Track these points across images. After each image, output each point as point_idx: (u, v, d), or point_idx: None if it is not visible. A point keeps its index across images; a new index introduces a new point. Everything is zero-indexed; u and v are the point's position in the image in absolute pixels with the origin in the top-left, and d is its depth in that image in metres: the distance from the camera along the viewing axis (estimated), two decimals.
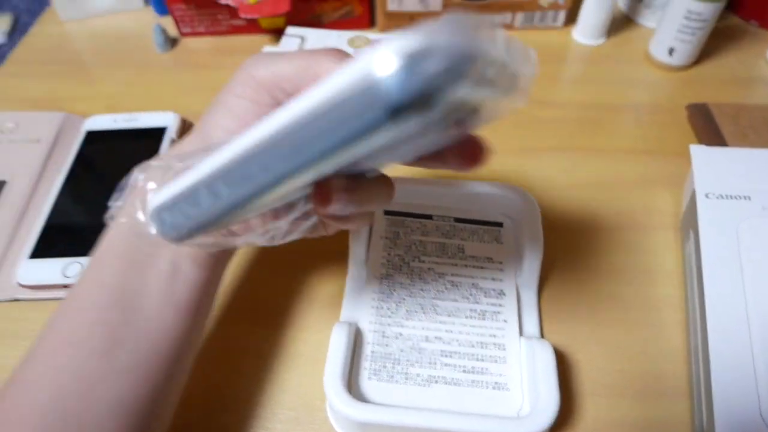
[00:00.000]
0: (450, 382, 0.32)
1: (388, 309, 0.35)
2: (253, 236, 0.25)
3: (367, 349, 0.33)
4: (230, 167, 0.18)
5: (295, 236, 0.25)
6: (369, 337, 0.34)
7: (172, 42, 0.60)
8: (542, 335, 0.36)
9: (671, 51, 0.53)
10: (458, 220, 0.40)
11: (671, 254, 0.40)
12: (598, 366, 0.35)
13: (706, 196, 0.36)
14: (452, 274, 0.37)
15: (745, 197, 0.36)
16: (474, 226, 0.39)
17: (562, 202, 0.44)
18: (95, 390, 0.23)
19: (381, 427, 0.30)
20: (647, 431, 0.32)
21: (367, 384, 0.32)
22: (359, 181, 0.21)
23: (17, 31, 1.54)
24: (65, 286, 0.39)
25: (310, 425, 0.33)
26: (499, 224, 0.39)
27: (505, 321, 0.35)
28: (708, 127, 0.47)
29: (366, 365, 0.33)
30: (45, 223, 0.42)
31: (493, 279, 0.37)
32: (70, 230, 0.41)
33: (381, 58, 0.13)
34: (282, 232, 0.24)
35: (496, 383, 0.32)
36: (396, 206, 0.40)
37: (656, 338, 0.36)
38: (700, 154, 0.39)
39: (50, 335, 0.25)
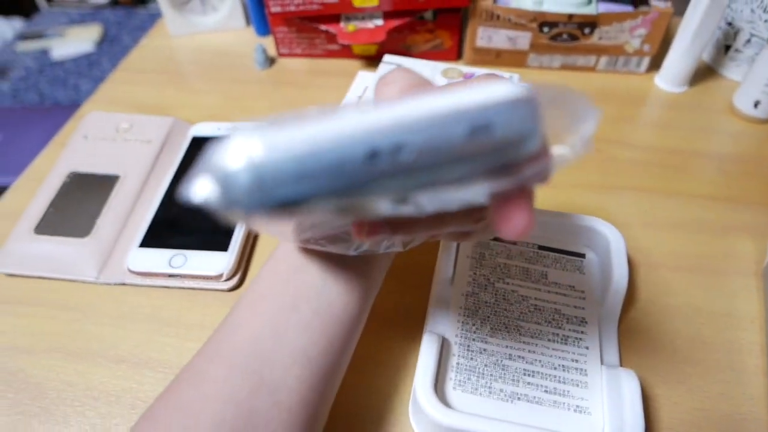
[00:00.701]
0: (532, 400, 0.34)
1: (473, 324, 0.37)
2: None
3: (453, 361, 0.35)
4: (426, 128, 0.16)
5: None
6: (455, 350, 0.36)
7: (270, 61, 0.64)
8: (621, 365, 0.37)
9: (757, 104, 0.54)
10: (542, 247, 0.41)
11: (753, 300, 0.40)
12: (676, 402, 0.35)
13: None
14: (535, 298, 0.38)
15: None
16: (557, 255, 0.41)
17: (640, 240, 0.44)
18: (282, 337, 0.27)
19: None
20: None
21: (453, 393, 0.34)
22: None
23: (106, 41, 1.66)
24: (170, 276, 0.42)
25: (393, 427, 0.34)
26: (582, 255, 0.41)
27: (587, 348, 0.36)
28: None
29: (452, 376, 0.34)
30: (154, 216, 0.45)
31: (576, 307, 0.38)
32: (176, 225, 0.45)
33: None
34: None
35: (577, 406, 0.33)
36: None
37: (737, 381, 0.36)
38: None
39: (251, 291, 0.30)
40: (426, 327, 0.37)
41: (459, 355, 0.35)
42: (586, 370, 0.35)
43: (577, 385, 0.34)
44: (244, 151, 0.15)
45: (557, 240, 0.42)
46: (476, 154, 0.16)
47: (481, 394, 0.34)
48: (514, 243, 0.42)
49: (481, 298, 0.38)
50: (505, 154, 0.17)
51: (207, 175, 0.15)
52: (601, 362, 0.36)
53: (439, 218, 0.22)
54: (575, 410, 0.33)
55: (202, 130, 0.53)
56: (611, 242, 0.39)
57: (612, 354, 0.37)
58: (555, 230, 0.41)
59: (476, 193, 0.18)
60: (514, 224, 0.19)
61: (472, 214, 0.23)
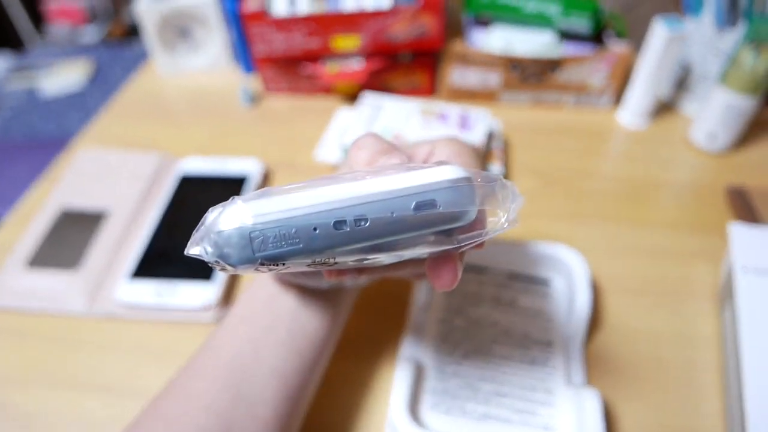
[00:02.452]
0: (502, 419, 0.36)
1: (447, 349, 0.39)
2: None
3: (428, 384, 0.37)
4: (380, 201, 0.20)
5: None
6: (429, 373, 0.38)
7: (255, 99, 0.67)
8: (587, 384, 0.39)
9: (711, 137, 0.58)
10: (511, 275, 0.44)
11: (709, 322, 0.43)
12: (638, 419, 0.37)
13: (744, 270, 0.40)
14: (506, 323, 0.41)
15: None
16: (525, 283, 0.43)
17: (605, 266, 0.47)
18: (260, 354, 0.30)
19: None
20: None
21: (427, 414, 0.36)
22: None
23: (99, 79, 1.69)
24: (158, 307, 0.43)
25: None
26: (548, 282, 0.43)
27: (553, 368, 0.38)
28: (746, 209, 0.50)
29: (426, 398, 0.36)
30: (143, 250, 0.47)
31: (543, 330, 0.40)
32: (164, 258, 0.47)
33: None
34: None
35: (545, 425, 0.35)
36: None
37: (694, 398, 0.38)
38: (739, 231, 0.43)
39: (231, 315, 0.32)
40: (402, 352, 0.39)
41: (434, 378, 0.38)
42: (552, 390, 0.37)
43: (544, 405, 0.36)
44: (236, 217, 0.20)
45: (525, 267, 0.44)
46: (422, 224, 0.21)
47: (454, 414, 0.36)
48: (484, 271, 0.44)
49: (455, 323, 0.41)
50: (446, 225, 0.21)
51: (206, 235, 0.20)
52: (568, 382, 0.38)
53: (395, 265, 0.27)
54: (542, 429, 0.35)
55: (189, 164, 0.56)
56: (575, 268, 0.42)
57: (577, 374, 0.39)
58: (523, 258, 0.44)
59: (422, 252, 0.23)
60: (442, 282, 0.24)
61: (423, 263, 0.27)
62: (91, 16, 2.01)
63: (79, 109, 1.57)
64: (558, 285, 0.43)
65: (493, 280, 0.44)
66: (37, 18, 2.05)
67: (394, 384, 0.35)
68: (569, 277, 0.42)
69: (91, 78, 1.70)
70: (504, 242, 0.44)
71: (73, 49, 1.84)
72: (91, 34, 1.99)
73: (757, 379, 0.34)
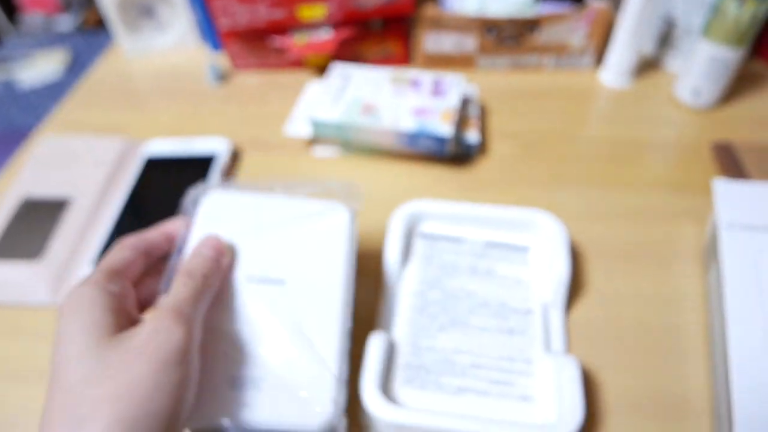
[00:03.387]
0: (479, 392, 0.34)
1: (422, 323, 0.38)
2: None
3: (401, 360, 0.36)
4: None
5: None
6: (403, 348, 0.36)
7: (223, 77, 0.65)
8: (568, 353, 0.38)
9: (696, 93, 0.55)
10: (488, 244, 0.42)
11: (694, 283, 0.42)
12: (622, 385, 0.36)
13: (729, 227, 0.38)
14: (483, 294, 0.39)
15: (766, 228, 0.37)
16: (503, 250, 0.42)
17: (589, 231, 0.46)
18: None
19: (412, 430, 0.32)
20: None
21: (400, 391, 0.34)
22: None
23: (76, 68, 1.65)
24: None
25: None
26: (526, 248, 0.42)
27: (532, 337, 0.37)
28: (732, 165, 0.49)
29: (399, 373, 0.35)
30: (108, 237, 0.45)
31: (522, 298, 0.39)
32: None
33: None
34: None
35: (523, 395, 0.34)
36: (430, 228, 0.43)
37: (680, 362, 0.37)
38: (724, 187, 0.41)
39: None
40: (375, 328, 0.38)
41: (408, 353, 0.36)
42: (530, 359, 0.36)
43: (522, 375, 0.35)
44: None
45: (503, 235, 0.43)
46: None
47: (428, 389, 0.34)
48: (461, 240, 0.43)
49: (430, 296, 0.39)
50: None
51: None
52: (547, 350, 0.36)
53: None
54: (520, 399, 0.34)
55: (154, 147, 0.54)
56: (553, 232, 0.40)
57: (558, 342, 0.38)
58: (500, 226, 0.42)
59: None
60: None
61: None
62: (66, 5, 1.96)
63: (58, 99, 1.53)
64: (537, 251, 0.42)
65: (470, 249, 0.42)
66: (11, 9, 2.00)
67: (365, 362, 0.34)
68: (548, 242, 0.41)
69: (68, 67, 1.66)
70: (480, 211, 0.42)
71: (49, 39, 1.80)
72: (66, 22, 1.95)
73: (741, 339, 0.33)
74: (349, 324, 0.32)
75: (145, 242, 0.31)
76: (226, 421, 0.28)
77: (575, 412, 0.31)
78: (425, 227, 0.43)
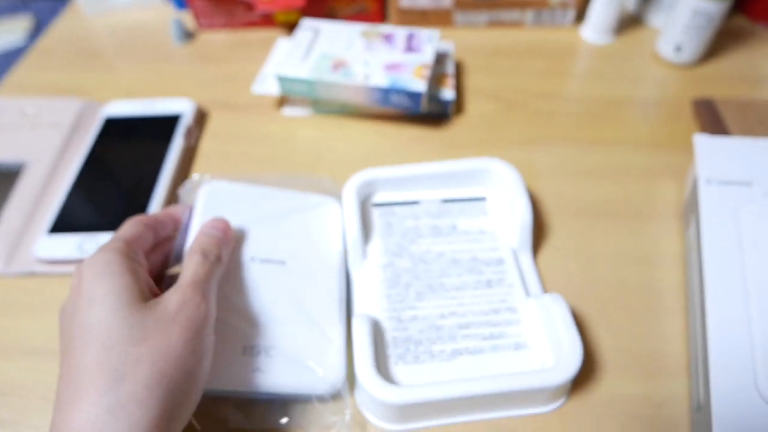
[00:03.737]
0: (473, 351, 0.33)
1: (398, 295, 0.36)
2: None
3: (388, 336, 0.34)
4: None
5: None
6: (386, 324, 0.35)
7: (189, 35, 0.62)
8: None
9: (678, 49, 0.54)
10: (445, 200, 0.41)
11: (673, 241, 0.41)
12: (598, 345, 0.35)
13: (708, 182, 0.37)
14: (451, 251, 0.38)
15: (746, 183, 0.36)
16: (461, 204, 0.41)
17: (568, 189, 0.44)
18: None
19: (418, 407, 0.30)
20: (645, 408, 0.32)
21: (395, 369, 0.33)
22: None
23: (39, 33, 1.58)
24: (81, 261, 0.40)
25: (341, 415, 0.33)
26: (482, 198, 0.41)
27: (510, 285, 0.36)
28: (713, 121, 0.47)
29: (390, 352, 0.34)
30: (63, 201, 0.43)
31: (490, 249, 0.38)
32: (87, 209, 0.43)
33: None
34: None
35: (516, 344, 0.33)
36: (383, 197, 0.41)
37: (657, 321, 0.36)
38: (703, 142, 0.39)
39: None
40: (354, 311, 0.36)
41: (392, 329, 0.35)
42: (515, 307, 0.35)
43: (511, 323, 0.34)
44: None
45: (457, 189, 0.41)
46: None
47: (423, 361, 0.33)
48: (417, 202, 0.41)
49: (399, 266, 0.38)
50: None
51: None
52: (527, 295, 0.36)
53: None
54: (515, 348, 0.33)
55: (115, 108, 0.51)
56: (507, 178, 0.39)
57: (534, 285, 0.37)
58: (452, 181, 0.41)
59: None
60: None
61: None
62: None
63: None
64: (493, 200, 0.41)
65: (427, 210, 0.40)
66: None
67: (354, 347, 0.32)
68: (503, 189, 0.40)
69: (31, 34, 1.59)
70: (431, 168, 0.40)
71: (10, 5, 1.72)
72: None
73: (719, 295, 0.32)
74: (345, 301, 0.35)
75: (154, 221, 0.32)
76: (240, 386, 0.30)
77: (574, 348, 0.30)
78: (378, 197, 0.41)
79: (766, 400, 0.28)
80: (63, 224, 0.42)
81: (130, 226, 0.31)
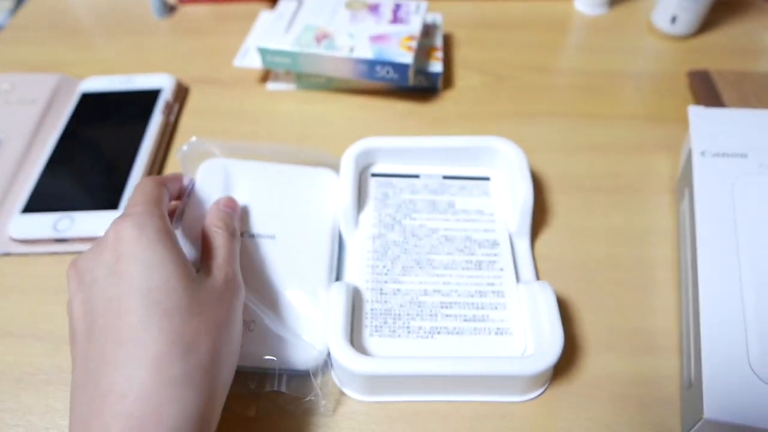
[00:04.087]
0: (452, 331, 0.32)
1: (384, 267, 0.35)
2: None
3: (366, 307, 0.33)
4: None
5: None
6: (367, 295, 0.34)
7: (170, 9, 0.60)
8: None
9: (673, 19, 0.52)
10: (446, 177, 0.40)
11: (667, 216, 0.40)
12: (589, 322, 0.34)
13: (702, 154, 0.36)
14: (445, 229, 0.37)
15: (741, 155, 0.35)
16: (462, 182, 0.39)
17: (560, 165, 0.43)
18: None
19: (387, 379, 0.30)
20: (636, 385, 0.32)
21: (370, 341, 0.32)
22: None
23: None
24: (56, 240, 0.39)
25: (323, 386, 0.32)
26: (486, 178, 0.39)
27: (501, 269, 0.35)
28: (709, 93, 0.46)
29: (367, 323, 0.33)
30: (37, 180, 0.42)
31: (486, 230, 0.37)
32: (62, 187, 0.41)
33: None
34: None
35: (498, 329, 0.32)
36: (383, 168, 0.40)
37: (649, 296, 0.35)
38: (698, 114, 0.38)
39: None
40: (337, 278, 0.35)
41: (372, 300, 0.34)
42: (502, 292, 0.34)
43: (496, 308, 0.33)
44: None
45: (461, 167, 0.40)
46: None
47: (399, 335, 0.32)
48: (417, 176, 0.40)
49: (389, 238, 0.36)
50: None
51: None
52: (517, 281, 0.35)
53: None
54: (496, 333, 0.32)
55: (92, 84, 0.49)
56: (512, 159, 0.38)
57: (528, 271, 0.36)
58: (457, 157, 0.40)
59: None
60: None
61: None
62: None
63: None
64: (496, 181, 0.39)
65: (427, 185, 0.39)
66: None
67: (330, 314, 0.31)
68: (507, 170, 0.38)
69: (12, 11, 1.55)
70: (435, 143, 0.39)
71: None
72: None
73: (712, 270, 0.31)
74: (335, 272, 0.35)
75: (166, 184, 0.32)
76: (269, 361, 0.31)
77: (555, 338, 0.29)
78: (378, 167, 0.40)
79: (759, 375, 0.28)
80: (37, 203, 0.40)
81: (154, 187, 0.30)
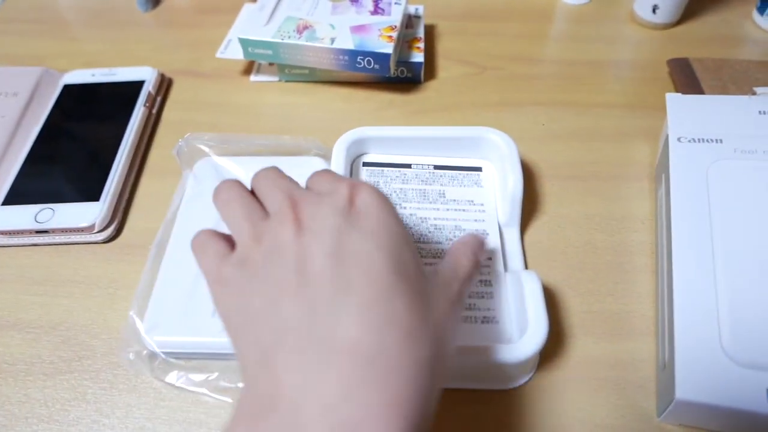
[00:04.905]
0: None
1: None
2: None
3: None
4: None
5: None
6: None
7: (154, 1, 0.60)
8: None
9: (655, 8, 0.52)
10: (438, 167, 0.40)
11: (645, 203, 0.40)
12: (568, 307, 0.35)
13: (679, 140, 0.36)
14: (435, 218, 0.37)
15: (717, 140, 0.36)
16: (454, 172, 0.39)
17: (541, 153, 0.43)
18: None
19: None
20: (613, 368, 0.32)
21: None
22: None
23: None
24: (38, 232, 0.39)
25: None
26: (478, 169, 0.40)
27: (489, 259, 0.35)
28: (688, 81, 0.46)
29: None
30: (18, 171, 0.42)
31: (476, 220, 0.37)
32: (43, 178, 0.41)
33: None
34: None
35: (484, 317, 0.33)
36: (375, 158, 0.40)
37: (626, 281, 0.36)
38: (675, 100, 0.39)
39: None
40: None
41: None
42: (489, 281, 0.34)
43: (483, 297, 0.33)
44: None
45: (452, 157, 0.40)
46: None
47: None
48: (409, 166, 0.40)
49: None
50: None
51: None
52: (505, 270, 0.35)
53: None
54: (483, 321, 0.32)
55: (75, 77, 0.49)
56: (504, 149, 0.38)
57: (516, 261, 0.36)
58: (449, 147, 0.40)
59: None
60: None
61: None
62: None
63: None
64: (487, 171, 0.39)
65: (418, 175, 0.39)
66: None
67: None
68: (498, 161, 0.38)
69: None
70: (427, 132, 0.39)
71: None
72: None
73: (685, 252, 0.31)
74: None
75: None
76: (209, 348, 0.32)
77: (539, 325, 0.29)
78: (369, 157, 0.40)
79: (731, 356, 0.28)
80: (18, 195, 0.40)
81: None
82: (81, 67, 0.51)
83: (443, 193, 0.38)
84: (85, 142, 0.44)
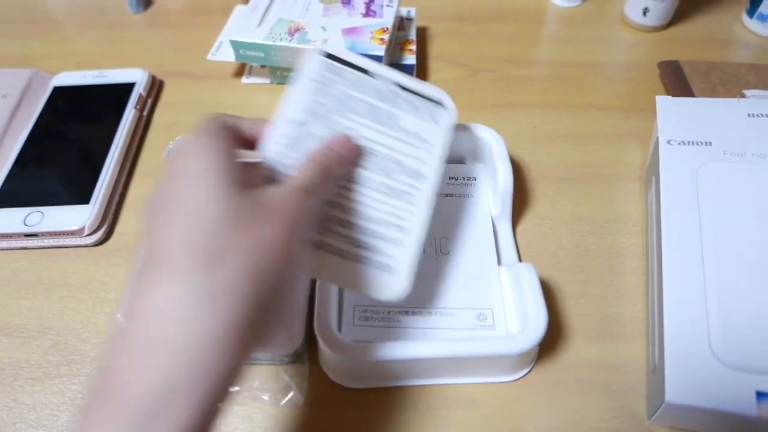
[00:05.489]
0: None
1: (291, 158, 0.29)
2: None
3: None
4: None
5: None
6: None
7: (146, 3, 0.59)
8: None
9: (645, 11, 0.53)
10: (400, 86, 0.33)
11: (636, 204, 0.40)
12: (559, 308, 0.35)
13: (669, 142, 0.36)
14: (374, 141, 0.31)
15: (706, 143, 0.36)
16: (414, 97, 0.34)
17: (533, 155, 0.43)
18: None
19: (373, 366, 0.30)
20: (604, 370, 0.32)
21: (351, 330, 0.32)
22: None
23: None
24: (27, 235, 0.38)
25: (300, 375, 0.33)
26: (440, 104, 0.35)
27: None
28: (679, 83, 0.47)
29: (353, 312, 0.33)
30: (6, 175, 0.41)
31: (417, 159, 0.32)
32: (32, 182, 0.41)
33: None
34: None
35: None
36: (343, 53, 0.33)
37: (617, 284, 0.36)
38: (665, 103, 0.39)
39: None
40: None
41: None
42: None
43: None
44: None
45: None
46: None
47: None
48: (370, 74, 0.33)
49: (311, 129, 0.30)
50: None
51: None
52: (499, 264, 0.35)
53: None
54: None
55: (65, 79, 0.49)
56: (493, 145, 0.38)
57: (510, 253, 0.36)
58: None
59: None
60: None
61: None
62: None
63: None
64: (449, 110, 0.35)
65: (376, 87, 0.32)
66: None
67: (315, 306, 0.31)
68: (488, 157, 0.38)
69: None
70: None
71: None
72: None
73: (675, 254, 0.32)
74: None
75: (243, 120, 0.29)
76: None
77: (539, 316, 0.29)
78: (337, 51, 0.33)
79: (720, 360, 0.28)
80: (7, 198, 0.40)
81: (228, 117, 0.28)
82: (71, 68, 0.51)
83: (395, 117, 0.32)
84: (75, 144, 0.44)
